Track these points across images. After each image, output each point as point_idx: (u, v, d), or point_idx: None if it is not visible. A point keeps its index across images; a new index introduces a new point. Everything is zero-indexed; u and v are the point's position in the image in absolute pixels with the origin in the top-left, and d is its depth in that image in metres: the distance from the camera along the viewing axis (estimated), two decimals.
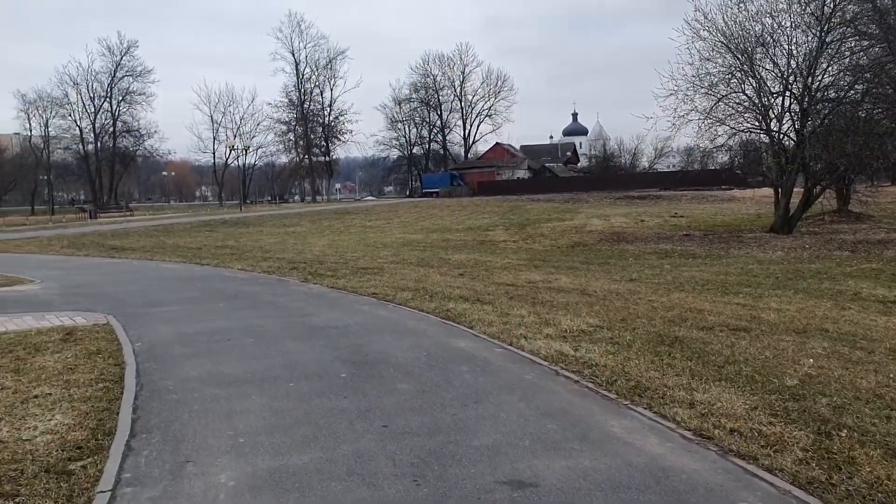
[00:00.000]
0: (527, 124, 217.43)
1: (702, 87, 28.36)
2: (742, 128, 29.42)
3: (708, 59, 28.31)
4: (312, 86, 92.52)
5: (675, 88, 28.39)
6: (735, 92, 28.45)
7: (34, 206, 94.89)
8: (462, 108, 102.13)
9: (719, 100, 28.32)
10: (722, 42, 27.98)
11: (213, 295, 11.84)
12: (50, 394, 5.99)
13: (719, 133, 29.61)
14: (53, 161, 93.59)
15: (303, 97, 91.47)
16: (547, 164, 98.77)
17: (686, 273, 18.17)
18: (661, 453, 4.67)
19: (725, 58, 28.16)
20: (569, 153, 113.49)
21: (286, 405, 5.63)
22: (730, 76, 28.22)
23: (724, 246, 26.61)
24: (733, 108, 28.71)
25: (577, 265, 21.43)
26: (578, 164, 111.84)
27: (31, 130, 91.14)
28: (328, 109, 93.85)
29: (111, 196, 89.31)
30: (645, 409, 5.59)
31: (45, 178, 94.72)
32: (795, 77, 27.44)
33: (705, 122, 28.66)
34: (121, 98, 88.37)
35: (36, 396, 5.92)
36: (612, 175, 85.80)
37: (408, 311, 10.03)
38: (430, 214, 49.28)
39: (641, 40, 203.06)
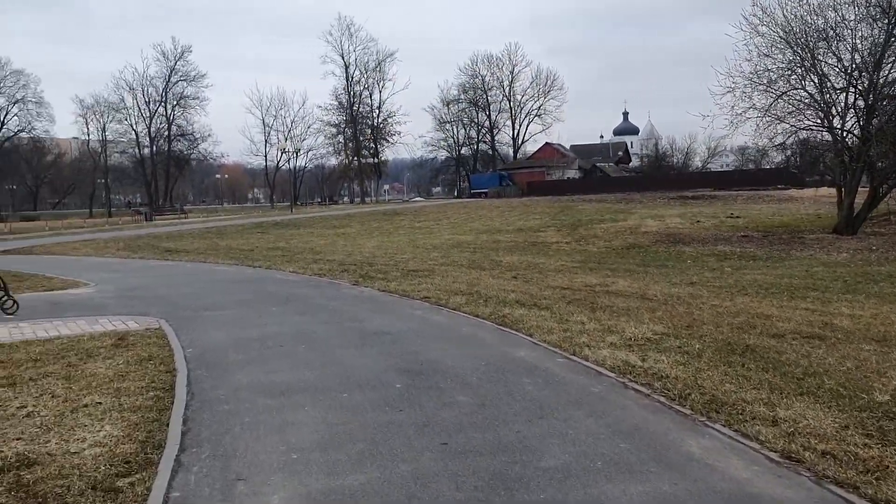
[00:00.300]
0: (576, 124, 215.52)
1: (760, 84, 27.43)
2: (802, 125, 28.37)
3: (767, 56, 27.37)
4: (361, 88, 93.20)
5: (733, 85, 27.50)
6: (795, 88, 27.45)
7: (92, 208, 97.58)
8: (511, 108, 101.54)
9: (779, 97, 27.35)
10: (781, 37, 26.99)
11: (265, 298, 11.72)
12: (100, 403, 5.85)
13: (778, 131, 28.61)
14: (111, 165, 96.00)
15: (352, 99, 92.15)
16: (598, 164, 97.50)
17: (748, 276, 17.47)
18: (747, 478, 4.26)
19: (785, 53, 27.19)
20: (620, 153, 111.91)
21: (340, 418, 5.37)
22: (790, 72, 27.23)
23: (786, 247, 25.66)
24: (793, 106, 27.69)
25: (633, 268, 20.85)
26: (630, 164, 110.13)
27: (88, 135, 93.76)
28: (377, 111, 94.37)
29: (166, 199, 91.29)
30: (724, 426, 5.17)
31: (103, 181, 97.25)
32: (860, 72, 26.30)
33: (763, 119, 27.72)
34: (175, 102, 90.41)
35: (86, 405, 5.78)
36: (664, 175, 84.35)
37: (462, 316, 9.73)
38: (479, 215, 48.95)
39: (695, 38, 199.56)
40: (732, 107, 27.49)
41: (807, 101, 27.48)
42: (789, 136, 29.25)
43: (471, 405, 5.64)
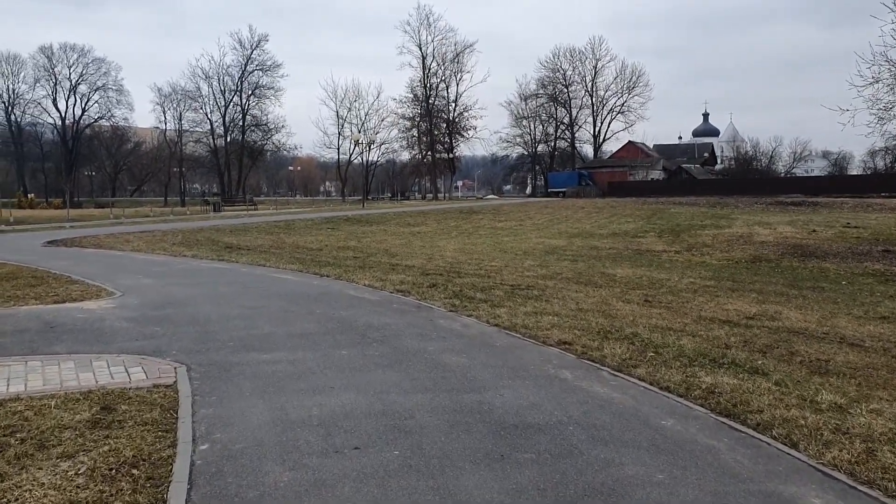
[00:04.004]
0: (653, 124, 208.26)
1: None
2: None
3: None
4: (438, 80, 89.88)
5: (876, 77, 22.86)
6: None
7: (167, 197, 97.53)
8: (593, 104, 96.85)
9: None
10: None
11: (334, 331, 8.40)
12: None
13: None
14: (186, 154, 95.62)
15: (428, 92, 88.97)
16: (683, 165, 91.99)
17: None
18: None
19: None
20: (706, 154, 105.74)
21: None
22: None
23: None
24: None
25: (782, 289, 16.82)
26: (715, 167, 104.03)
27: (165, 123, 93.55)
28: (453, 105, 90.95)
29: (239, 189, 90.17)
30: None
31: (178, 170, 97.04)
32: None
33: None
34: (250, 92, 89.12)
35: None
36: (755, 178, 79.15)
37: (640, 388, 6.14)
38: (564, 216, 45.11)
39: (776, 40, 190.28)
40: (878, 100, 22.97)
41: None
42: None
43: None
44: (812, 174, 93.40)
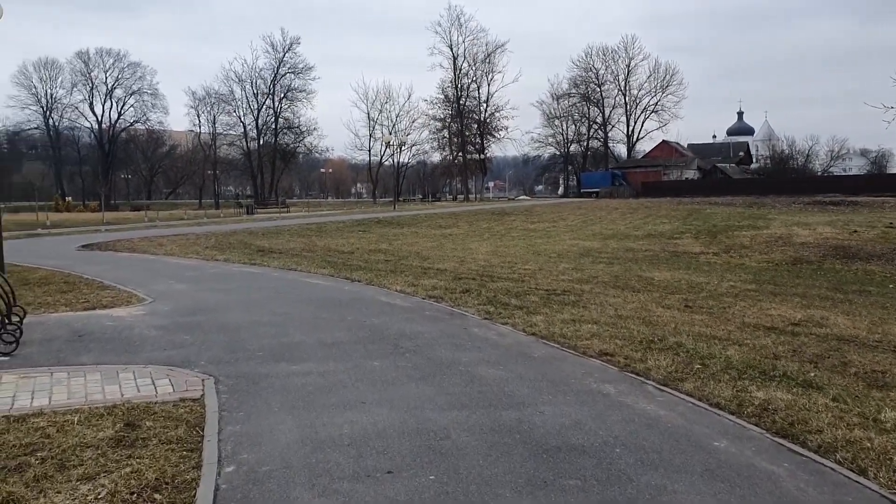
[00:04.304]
0: (686, 123, 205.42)
1: None
2: None
3: None
4: (469, 81, 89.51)
5: None
6: None
7: (201, 199, 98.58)
8: (626, 103, 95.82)
9: None
10: None
11: (365, 339, 8.16)
12: None
13: None
14: (220, 157, 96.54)
15: (459, 93, 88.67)
16: (718, 165, 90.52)
17: None
18: None
19: None
20: (741, 153, 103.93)
21: None
22: None
23: None
24: None
25: (827, 293, 16.26)
26: (751, 166, 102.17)
27: (199, 126, 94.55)
28: (484, 105, 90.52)
29: (271, 191, 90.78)
30: None
31: (212, 173, 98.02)
32: None
33: None
34: (283, 94, 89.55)
35: None
36: (791, 178, 77.64)
37: (690, 404, 5.79)
38: (598, 217, 44.50)
39: (813, 36, 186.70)
40: None
41: None
42: None
43: None
44: (850, 173, 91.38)
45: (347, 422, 5.24)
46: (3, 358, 7.08)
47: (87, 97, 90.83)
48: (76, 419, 5.28)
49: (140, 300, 10.96)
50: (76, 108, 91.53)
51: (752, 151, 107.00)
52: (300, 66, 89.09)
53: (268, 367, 6.87)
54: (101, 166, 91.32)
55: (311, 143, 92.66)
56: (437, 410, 5.51)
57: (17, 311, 8.36)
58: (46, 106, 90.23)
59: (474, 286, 13.12)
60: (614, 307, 11.26)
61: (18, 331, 7.55)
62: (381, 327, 8.87)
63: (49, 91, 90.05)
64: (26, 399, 5.82)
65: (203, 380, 6.37)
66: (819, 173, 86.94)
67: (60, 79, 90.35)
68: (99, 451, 4.67)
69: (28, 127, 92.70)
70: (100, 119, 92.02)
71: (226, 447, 4.75)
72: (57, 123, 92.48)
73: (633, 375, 6.64)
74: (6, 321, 7.63)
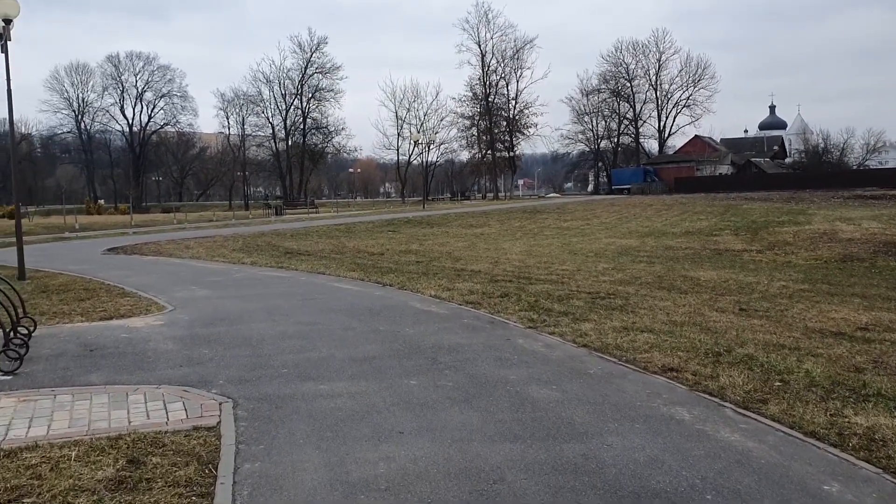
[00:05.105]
0: (717, 117, 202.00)
1: None
2: None
3: None
4: (498, 77, 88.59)
5: None
6: None
7: (231, 200, 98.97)
8: (657, 98, 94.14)
9: None
10: None
11: (399, 353, 7.43)
12: None
13: None
14: (249, 158, 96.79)
15: (487, 90, 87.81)
16: (752, 160, 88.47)
17: None
18: None
19: None
20: (776, 147, 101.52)
21: None
22: None
23: None
24: None
25: (887, 293, 15.21)
26: (786, 160, 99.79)
27: (228, 128, 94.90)
28: (513, 102, 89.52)
29: (300, 192, 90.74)
30: None
31: (241, 174, 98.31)
32: None
33: None
34: (310, 95, 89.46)
35: None
36: (827, 171, 75.49)
37: (781, 434, 4.95)
38: (632, 214, 43.40)
39: (847, 28, 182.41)
40: None
41: None
42: None
43: None
44: (887, 166, 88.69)
45: (383, 458, 4.50)
46: (4, 377, 6.46)
47: (117, 101, 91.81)
48: (73, 454, 4.60)
49: (160, 308, 10.36)
50: (107, 111, 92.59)
51: (786, 145, 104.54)
52: (327, 65, 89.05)
53: (293, 387, 6.17)
54: (131, 169, 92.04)
55: (339, 143, 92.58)
56: (486, 443, 4.75)
57: (26, 322, 7.81)
58: (78, 110, 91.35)
59: (512, 289, 12.34)
60: (665, 312, 10.42)
61: (24, 347, 6.94)
62: (416, 339, 8.13)
63: (81, 95, 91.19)
64: (22, 428, 5.18)
65: (220, 403, 5.68)
66: (855, 167, 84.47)
67: (91, 83, 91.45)
68: (95, 498, 3.99)
69: (61, 131, 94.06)
70: (130, 122, 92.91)
71: (241, 491, 4.04)
72: (88, 127, 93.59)
73: (707, 396, 5.81)
74: (13, 335, 7.04)
